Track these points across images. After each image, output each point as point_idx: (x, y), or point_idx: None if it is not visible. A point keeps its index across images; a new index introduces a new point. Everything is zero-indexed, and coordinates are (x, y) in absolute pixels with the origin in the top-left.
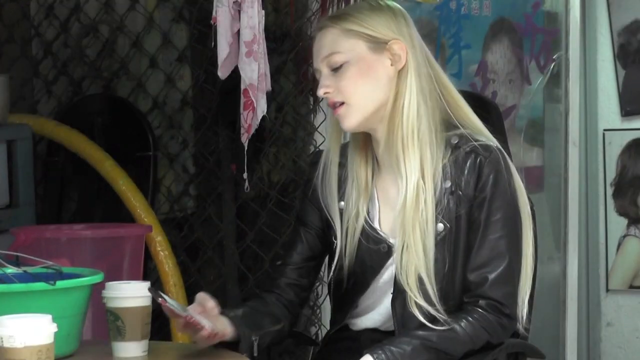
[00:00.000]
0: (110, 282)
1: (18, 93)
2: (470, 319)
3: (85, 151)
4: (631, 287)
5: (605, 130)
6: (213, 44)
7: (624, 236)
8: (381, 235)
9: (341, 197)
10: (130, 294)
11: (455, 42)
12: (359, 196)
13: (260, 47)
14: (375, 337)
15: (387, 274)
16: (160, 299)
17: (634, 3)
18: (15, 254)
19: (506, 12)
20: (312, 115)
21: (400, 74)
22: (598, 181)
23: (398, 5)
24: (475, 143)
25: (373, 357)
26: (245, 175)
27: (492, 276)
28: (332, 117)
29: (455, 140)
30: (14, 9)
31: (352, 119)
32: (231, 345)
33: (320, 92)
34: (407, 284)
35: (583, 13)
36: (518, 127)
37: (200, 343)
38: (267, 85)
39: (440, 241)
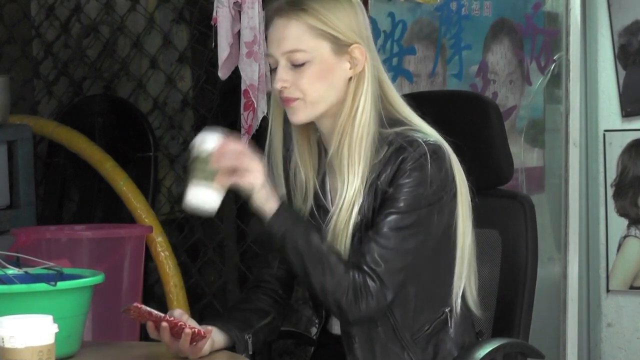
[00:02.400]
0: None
1: (18, 94)
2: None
3: (86, 152)
4: (632, 287)
5: (605, 130)
6: (213, 44)
7: (625, 237)
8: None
9: (289, 183)
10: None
11: (455, 42)
12: (309, 181)
13: (261, 48)
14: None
15: None
16: (132, 305)
17: (635, 4)
18: (15, 254)
19: (507, 13)
20: None
21: (357, 78)
22: (598, 182)
23: None
24: (404, 140)
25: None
26: None
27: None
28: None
29: (391, 138)
30: (14, 9)
31: (304, 115)
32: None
33: (278, 86)
34: None
35: (583, 14)
36: (518, 128)
37: (186, 352)
38: (267, 85)
39: (356, 235)
